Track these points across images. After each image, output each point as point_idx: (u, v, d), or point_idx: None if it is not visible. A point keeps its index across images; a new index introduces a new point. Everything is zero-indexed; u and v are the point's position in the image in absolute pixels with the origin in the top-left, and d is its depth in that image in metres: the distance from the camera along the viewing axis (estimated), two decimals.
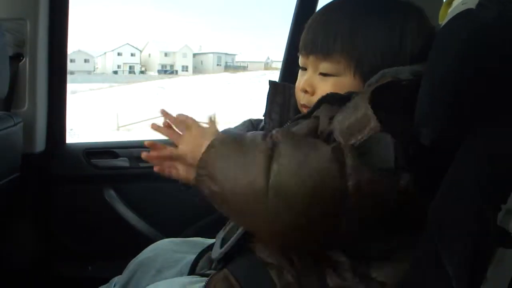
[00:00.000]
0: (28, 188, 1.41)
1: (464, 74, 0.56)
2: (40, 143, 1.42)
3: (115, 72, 47.21)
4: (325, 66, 0.77)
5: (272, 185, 0.59)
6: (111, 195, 1.51)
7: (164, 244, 0.99)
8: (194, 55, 56.85)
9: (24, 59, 1.33)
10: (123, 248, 1.14)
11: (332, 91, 0.74)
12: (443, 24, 0.63)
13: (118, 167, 1.52)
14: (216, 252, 0.79)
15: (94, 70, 48.41)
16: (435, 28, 0.77)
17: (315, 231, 0.63)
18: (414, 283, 0.64)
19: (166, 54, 54.79)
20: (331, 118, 0.70)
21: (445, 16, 0.82)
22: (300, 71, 0.83)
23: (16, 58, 1.33)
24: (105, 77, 38.07)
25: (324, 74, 0.77)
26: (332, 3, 0.81)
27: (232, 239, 0.76)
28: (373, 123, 0.60)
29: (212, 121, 0.73)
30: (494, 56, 0.54)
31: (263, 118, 0.90)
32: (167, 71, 50.46)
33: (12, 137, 1.27)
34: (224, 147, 0.65)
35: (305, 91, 0.80)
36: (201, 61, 56.20)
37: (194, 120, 0.74)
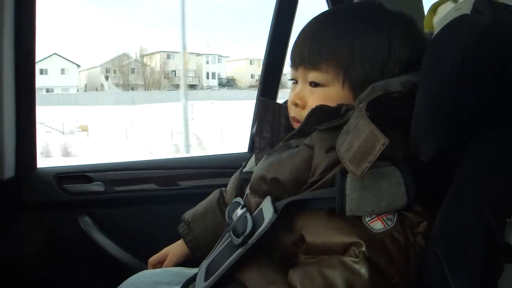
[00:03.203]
0: None
1: (464, 81, 0.53)
2: (9, 169, 1.33)
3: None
4: (313, 75, 0.75)
5: None
6: (86, 222, 1.42)
7: (145, 276, 0.92)
8: None
9: None
10: (102, 278, 1.07)
11: (322, 103, 0.71)
12: (436, 32, 0.60)
13: (93, 192, 1.44)
14: (201, 285, 0.73)
15: None
16: (425, 37, 0.74)
17: None
18: None
19: None
20: (327, 151, 0.67)
21: (430, 24, 0.79)
22: (292, 84, 0.81)
23: None
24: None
25: (313, 85, 0.75)
26: (320, 14, 0.80)
27: (219, 270, 0.70)
28: (382, 139, 0.57)
29: None
30: (494, 60, 0.52)
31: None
32: None
33: None
34: None
35: (296, 104, 0.77)
36: None
37: None
